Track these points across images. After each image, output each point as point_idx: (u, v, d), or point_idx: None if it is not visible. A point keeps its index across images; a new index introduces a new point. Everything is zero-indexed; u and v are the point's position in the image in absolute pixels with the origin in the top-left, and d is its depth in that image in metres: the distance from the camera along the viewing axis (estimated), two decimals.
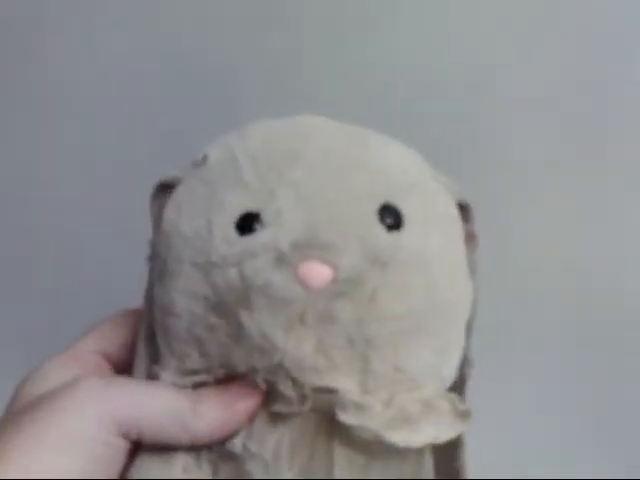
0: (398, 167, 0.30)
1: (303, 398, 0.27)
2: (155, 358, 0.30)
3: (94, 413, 0.26)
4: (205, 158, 0.30)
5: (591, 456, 0.56)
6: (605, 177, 0.54)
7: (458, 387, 0.30)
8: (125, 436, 0.27)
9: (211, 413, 0.27)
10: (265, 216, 0.27)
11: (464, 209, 0.32)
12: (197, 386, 0.28)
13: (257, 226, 0.27)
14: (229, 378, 0.28)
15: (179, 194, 0.30)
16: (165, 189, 0.31)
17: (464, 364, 0.31)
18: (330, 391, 0.27)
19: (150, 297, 0.30)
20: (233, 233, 0.27)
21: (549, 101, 0.53)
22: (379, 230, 0.27)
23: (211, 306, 0.27)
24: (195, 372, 0.28)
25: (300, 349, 0.26)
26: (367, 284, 0.26)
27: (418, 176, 0.31)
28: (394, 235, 0.28)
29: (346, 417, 0.26)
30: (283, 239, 0.26)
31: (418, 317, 0.28)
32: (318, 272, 0.26)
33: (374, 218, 0.28)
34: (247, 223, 0.27)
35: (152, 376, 0.29)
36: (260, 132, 0.31)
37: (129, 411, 0.27)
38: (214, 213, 0.28)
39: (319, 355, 0.26)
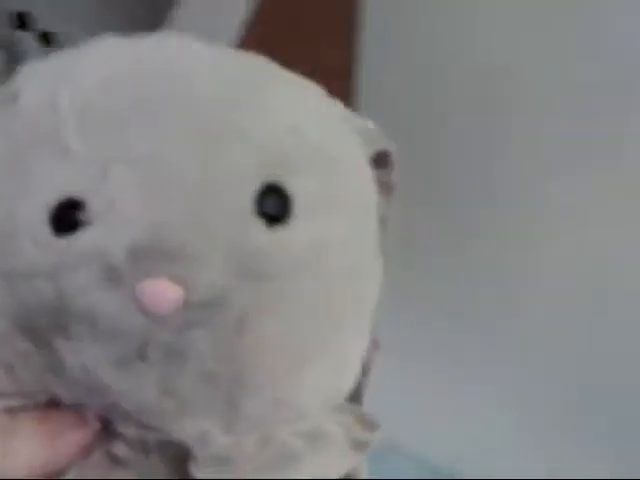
0: (290, 124, 0.22)
1: (145, 446, 0.21)
2: None
3: None
4: (16, 95, 0.22)
5: None
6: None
7: (355, 394, 0.24)
8: None
9: (28, 448, 0.21)
10: (92, 205, 0.20)
11: (383, 157, 0.25)
12: (10, 411, 0.21)
13: (80, 219, 0.20)
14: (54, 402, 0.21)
15: None
16: None
17: (363, 368, 0.24)
18: (178, 441, 0.21)
19: None
20: (46, 230, 0.20)
21: (581, 93, 0.51)
22: (255, 226, 0.20)
23: (19, 326, 0.20)
24: (5, 395, 0.21)
25: (139, 391, 0.20)
26: (234, 306, 0.20)
27: (319, 133, 0.23)
28: (277, 232, 0.21)
29: (203, 472, 0.21)
30: (115, 244, 0.19)
31: (307, 339, 0.21)
32: (164, 294, 0.19)
33: (249, 208, 0.20)
34: (66, 215, 0.20)
35: None
36: (99, 64, 0.22)
37: None
38: (19, 195, 0.20)
39: (166, 397, 0.20)
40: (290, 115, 0.22)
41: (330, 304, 0.22)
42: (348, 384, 0.24)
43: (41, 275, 0.20)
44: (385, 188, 0.25)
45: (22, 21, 1.50)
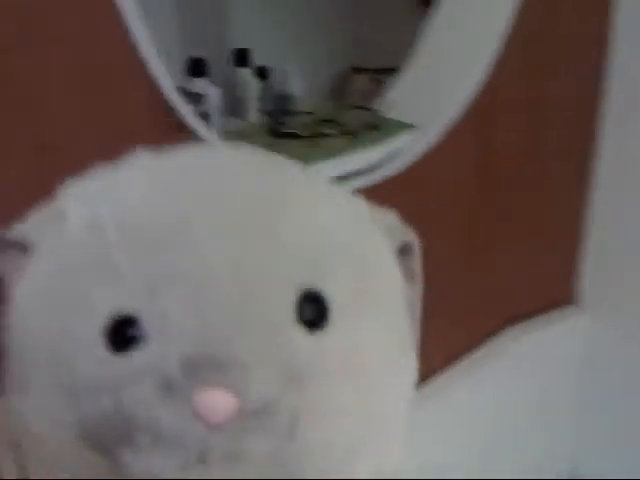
0: (323, 230, 0.23)
1: None
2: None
3: None
4: (63, 215, 0.22)
5: None
6: None
7: None
8: None
9: None
10: (145, 321, 0.20)
11: (407, 249, 0.26)
12: None
13: (135, 335, 0.20)
14: None
15: (30, 274, 0.22)
16: (9, 245, 0.24)
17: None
18: None
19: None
20: (104, 348, 0.20)
21: None
22: (297, 334, 0.21)
23: (84, 438, 0.20)
24: None
25: None
26: (284, 411, 0.20)
27: (347, 234, 0.24)
28: (317, 338, 0.21)
29: None
30: (171, 357, 0.19)
31: (351, 437, 0.21)
32: (219, 403, 0.19)
33: (290, 316, 0.21)
34: (122, 332, 0.20)
35: None
36: (139, 183, 0.22)
37: None
38: (74, 314, 0.20)
39: None
40: (325, 218, 0.23)
41: (368, 401, 0.22)
42: (397, 455, 0.25)
43: (103, 391, 0.20)
44: (410, 275, 0.27)
45: (241, 57, 1.69)
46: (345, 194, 0.26)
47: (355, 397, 0.22)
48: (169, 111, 0.66)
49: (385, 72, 2.08)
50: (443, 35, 0.95)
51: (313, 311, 0.21)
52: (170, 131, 0.67)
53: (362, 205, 0.26)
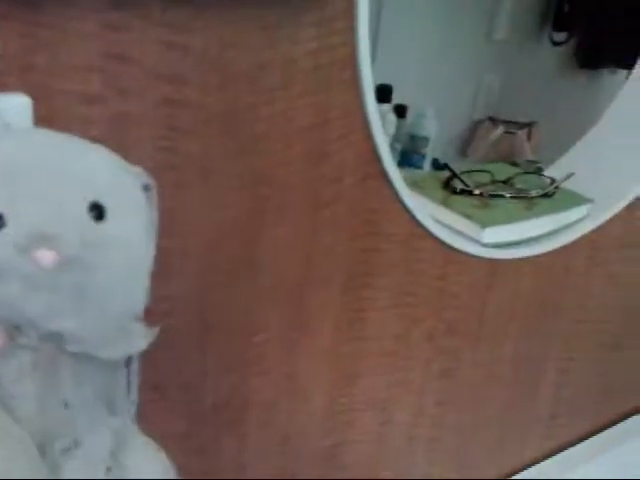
0: (102, 168, 0.42)
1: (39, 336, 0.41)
2: None
3: None
4: None
5: None
6: None
7: None
8: None
9: None
10: (7, 216, 0.38)
11: (148, 187, 0.45)
12: None
13: (1, 224, 0.38)
14: None
15: None
16: None
17: None
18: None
19: None
20: None
21: None
22: (89, 222, 0.39)
23: None
24: None
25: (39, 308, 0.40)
26: (82, 261, 0.39)
27: (116, 172, 0.43)
28: (100, 225, 0.40)
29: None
30: (22, 234, 0.38)
31: (117, 280, 0.42)
32: (47, 256, 0.38)
33: (86, 215, 0.39)
34: None
35: None
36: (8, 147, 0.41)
37: None
38: None
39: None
40: (100, 161, 0.42)
41: (128, 257, 0.42)
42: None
43: None
44: (149, 199, 0.45)
45: (384, 93, 1.72)
46: (111, 154, 0.44)
47: (123, 257, 0.41)
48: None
49: (522, 125, 2.06)
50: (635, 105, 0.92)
51: (97, 212, 0.40)
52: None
53: (121, 159, 0.44)
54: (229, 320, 0.66)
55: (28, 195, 0.39)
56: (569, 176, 0.89)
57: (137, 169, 0.45)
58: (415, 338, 0.82)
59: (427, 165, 1.94)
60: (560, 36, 2.12)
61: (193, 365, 0.65)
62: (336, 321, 0.74)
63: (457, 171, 0.87)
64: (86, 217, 0.40)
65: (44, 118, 0.48)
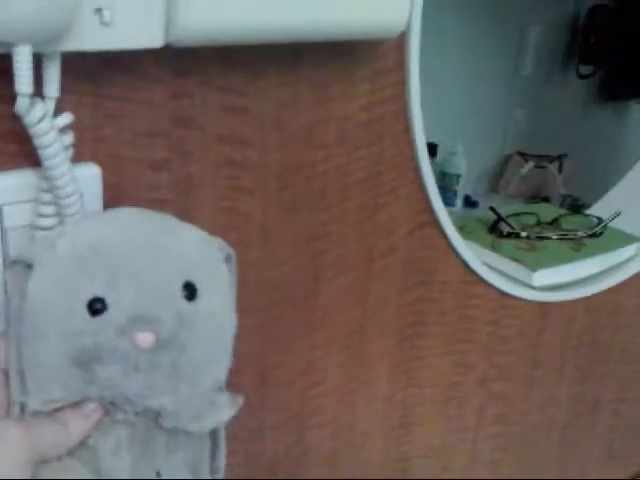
0: (191, 246, 0.43)
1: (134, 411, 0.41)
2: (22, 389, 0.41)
3: (22, 460, 0.38)
4: (53, 245, 0.41)
5: None
6: None
7: None
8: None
9: (77, 428, 0.41)
10: (108, 299, 0.39)
11: (229, 257, 0.46)
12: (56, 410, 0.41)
13: (102, 307, 0.39)
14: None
15: (35, 279, 0.40)
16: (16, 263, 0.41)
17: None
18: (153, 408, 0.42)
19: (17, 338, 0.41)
20: (86, 314, 0.39)
21: None
22: (182, 301, 0.41)
23: (71, 358, 0.39)
24: (56, 401, 0.41)
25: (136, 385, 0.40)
26: (178, 339, 0.40)
27: (202, 249, 0.44)
28: (192, 304, 0.41)
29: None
30: (122, 316, 0.39)
31: (210, 355, 0.43)
32: (146, 338, 0.39)
33: (179, 294, 0.40)
34: (95, 305, 0.39)
35: (22, 404, 0.41)
36: (96, 226, 0.42)
37: (44, 450, 0.40)
38: (69, 297, 0.40)
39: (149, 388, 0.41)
40: (188, 239, 0.43)
41: (219, 336, 0.43)
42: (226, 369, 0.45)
43: (86, 335, 0.39)
44: (231, 270, 0.46)
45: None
46: (193, 226, 0.45)
47: (213, 333, 0.42)
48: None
49: (552, 159, 2.05)
50: None
51: (190, 291, 0.41)
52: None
53: (204, 231, 0.45)
54: (288, 373, 0.66)
55: (127, 278, 0.39)
56: (616, 215, 0.89)
57: (218, 240, 0.46)
58: (468, 384, 0.81)
59: (459, 202, 1.94)
60: (586, 69, 2.13)
61: (252, 419, 0.65)
62: (392, 370, 0.74)
63: (501, 212, 0.87)
64: (180, 297, 0.40)
65: (113, 186, 0.49)
